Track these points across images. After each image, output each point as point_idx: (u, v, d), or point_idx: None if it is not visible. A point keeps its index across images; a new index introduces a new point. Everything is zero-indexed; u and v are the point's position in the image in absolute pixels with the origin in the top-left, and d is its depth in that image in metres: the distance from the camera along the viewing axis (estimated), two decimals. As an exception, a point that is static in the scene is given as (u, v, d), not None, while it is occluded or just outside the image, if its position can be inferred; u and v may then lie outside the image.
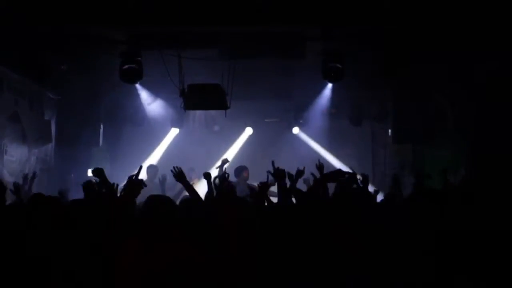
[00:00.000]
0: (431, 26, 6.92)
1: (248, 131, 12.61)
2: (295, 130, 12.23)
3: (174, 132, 12.13)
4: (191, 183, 5.37)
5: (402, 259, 3.72)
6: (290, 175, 5.42)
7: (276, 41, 7.54)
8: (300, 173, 5.50)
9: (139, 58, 7.78)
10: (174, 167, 5.29)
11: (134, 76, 7.91)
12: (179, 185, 5.69)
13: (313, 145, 12.27)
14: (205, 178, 5.82)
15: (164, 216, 3.62)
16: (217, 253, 3.71)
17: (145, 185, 4.23)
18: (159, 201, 3.75)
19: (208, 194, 5.69)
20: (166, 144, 12.13)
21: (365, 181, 5.64)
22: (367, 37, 7.45)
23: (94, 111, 10.64)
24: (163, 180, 7.79)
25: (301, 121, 11.80)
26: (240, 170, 8.61)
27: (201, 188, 5.93)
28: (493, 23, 6.60)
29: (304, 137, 12.36)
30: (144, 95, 10.26)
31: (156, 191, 6.10)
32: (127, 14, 6.70)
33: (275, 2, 6.65)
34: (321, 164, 5.41)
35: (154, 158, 11.80)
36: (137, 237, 3.57)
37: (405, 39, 7.39)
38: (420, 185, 5.63)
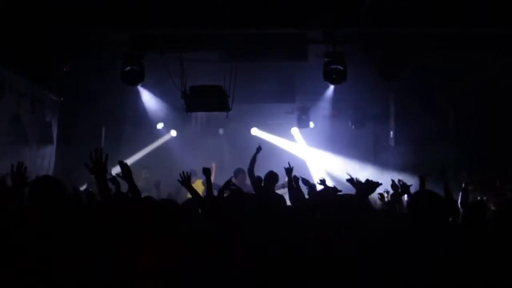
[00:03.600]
0: (432, 28, 6.91)
1: (254, 131, 12.55)
2: (294, 130, 12.35)
3: (172, 133, 12.16)
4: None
5: None
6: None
7: (278, 43, 7.54)
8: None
9: (141, 60, 7.77)
10: (183, 172, 5.26)
11: (136, 78, 7.90)
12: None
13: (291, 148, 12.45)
14: (203, 174, 5.79)
15: (166, 217, 3.64)
16: (216, 254, 3.72)
17: None
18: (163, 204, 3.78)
19: (206, 192, 5.67)
20: (157, 144, 12.19)
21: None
22: (369, 39, 7.45)
23: (95, 112, 10.65)
24: (157, 184, 7.96)
25: (302, 123, 11.82)
26: (237, 172, 8.91)
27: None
28: (493, 25, 6.60)
29: (298, 137, 12.52)
30: (145, 96, 10.26)
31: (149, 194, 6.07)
32: (129, 16, 6.69)
33: (277, 4, 6.64)
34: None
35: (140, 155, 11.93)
36: (136, 237, 3.58)
37: (406, 41, 7.39)
38: (423, 188, 5.61)
